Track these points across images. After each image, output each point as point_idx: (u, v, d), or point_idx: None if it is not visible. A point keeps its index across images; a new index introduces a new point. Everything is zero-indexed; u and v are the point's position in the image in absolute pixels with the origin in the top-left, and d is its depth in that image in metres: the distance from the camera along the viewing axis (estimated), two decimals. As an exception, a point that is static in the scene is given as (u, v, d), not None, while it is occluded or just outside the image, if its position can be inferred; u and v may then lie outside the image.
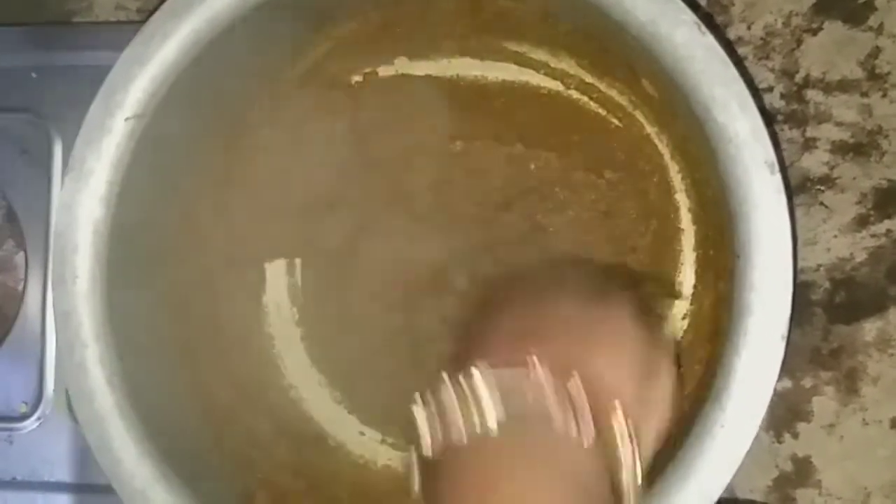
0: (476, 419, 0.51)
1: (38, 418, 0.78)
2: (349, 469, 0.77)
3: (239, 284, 0.77)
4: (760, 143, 0.58)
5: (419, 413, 0.53)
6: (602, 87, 0.74)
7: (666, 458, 0.61)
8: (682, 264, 0.74)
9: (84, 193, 0.63)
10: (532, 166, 0.75)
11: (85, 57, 0.78)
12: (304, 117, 0.75)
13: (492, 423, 0.50)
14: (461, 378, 0.52)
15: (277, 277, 0.79)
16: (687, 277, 0.74)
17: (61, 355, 0.63)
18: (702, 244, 0.72)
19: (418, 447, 0.53)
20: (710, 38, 0.59)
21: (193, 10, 0.63)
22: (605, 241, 0.75)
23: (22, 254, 0.79)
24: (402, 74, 0.77)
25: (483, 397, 0.51)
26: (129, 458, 0.62)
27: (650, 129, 0.72)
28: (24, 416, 0.78)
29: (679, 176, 0.73)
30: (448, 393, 0.52)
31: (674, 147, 0.72)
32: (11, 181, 0.79)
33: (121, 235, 0.64)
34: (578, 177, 0.75)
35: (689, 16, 0.59)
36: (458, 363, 0.54)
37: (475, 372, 0.52)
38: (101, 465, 0.63)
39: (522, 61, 0.76)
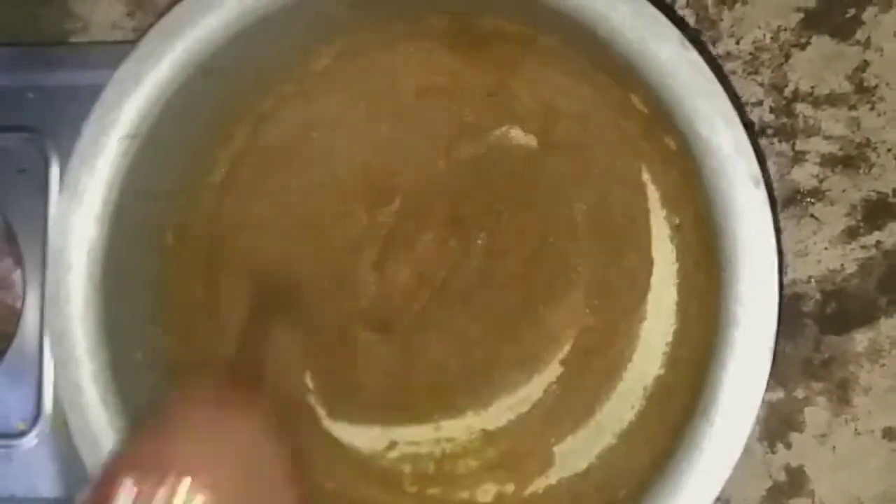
0: None
1: (37, 435, 0.78)
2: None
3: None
4: (744, 156, 0.58)
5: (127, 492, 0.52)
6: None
7: (653, 472, 0.62)
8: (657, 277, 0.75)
9: (78, 213, 0.64)
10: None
11: (82, 76, 0.78)
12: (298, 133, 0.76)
13: None
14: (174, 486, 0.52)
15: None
16: (668, 290, 0.74)
17: (56, 374, 0.64)
18: (681, 256, 0.73)
19: None
20: (695, 54, 0.59)
21: (186, 29, 0.64)
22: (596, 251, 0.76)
23: (20, 271, 0.79)
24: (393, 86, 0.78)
25: None
26: (124, 476, 0.63)
27: (640, 143, 0.73)
28: (23, 434, 0.78)
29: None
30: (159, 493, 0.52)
31: (662, 162, 0.72)
32: (9, 199, 0.80)
33: (115, 255, 0.64)
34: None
35: (673, 32, 0.60)
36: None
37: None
38: (96, 482, 0.63)
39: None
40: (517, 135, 0.76)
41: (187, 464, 0.53)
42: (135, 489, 0.51)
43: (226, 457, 0.55)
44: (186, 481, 0.52)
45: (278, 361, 0.69)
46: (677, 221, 0.72)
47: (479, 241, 0.76)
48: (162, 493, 0.51)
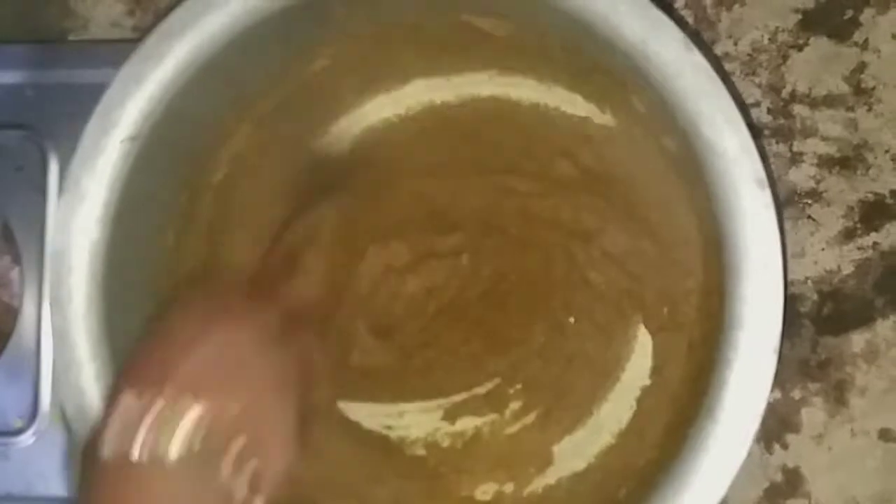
0: (166, 444, 0.51)
1: (34, 433, 0.78)
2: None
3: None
4: (749, 158, 0.58)
5: (126, 407, 0.52)
6: (592, 104, 0.75)
7: (656, 472, 0.62)
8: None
9: (79, 214, 0.64)
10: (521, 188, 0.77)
11: (80, 74, 0.78)
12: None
13: (173, 454, 0.51)
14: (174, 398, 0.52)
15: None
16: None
17: (58, 375, 0.64)
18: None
19: (98, 441, 0.51)
20: (699, 56, 0.59)
21: (189, 30, 0.64)
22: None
23: (17, 269, 0.79)
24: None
25: (183, 427, 0.51)
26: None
27: (642, 145, 0.73)
28: (20, 431, 0.78)
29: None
30: (157, 405, 0.51)
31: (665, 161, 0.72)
32: (7, 198, 0.80)
33: (116, 255, 0.64)
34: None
35: (677, 33, 0.59)
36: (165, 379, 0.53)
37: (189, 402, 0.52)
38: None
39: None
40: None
41: (185, 376, 0.52)
42: (134, 401, 0.51)
43: (226, 367, 0.54)
44: (184, 394, 0.51)
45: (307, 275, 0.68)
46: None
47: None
48: (159, 406, 0.51)
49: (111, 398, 0.53)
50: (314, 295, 0.68)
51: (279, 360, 0.58)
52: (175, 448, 0.50)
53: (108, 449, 0.51)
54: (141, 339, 0.57)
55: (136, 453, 0.50)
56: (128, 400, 0.51)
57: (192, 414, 0.51)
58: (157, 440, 0.50)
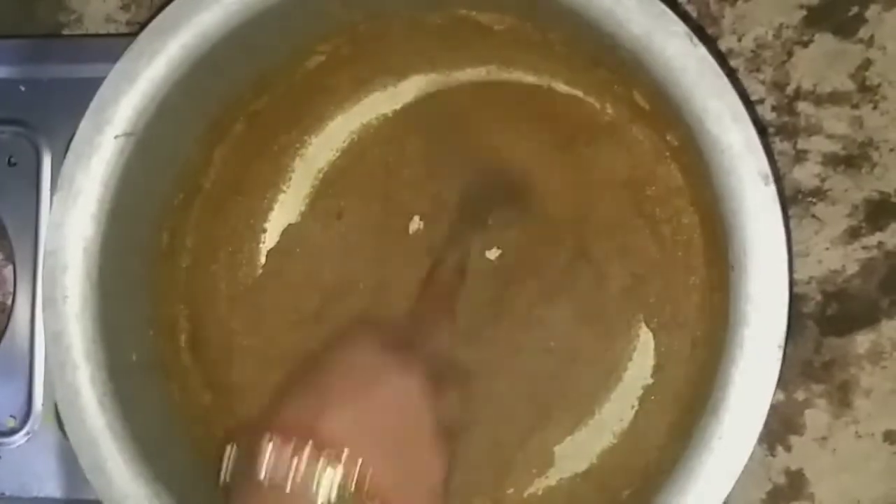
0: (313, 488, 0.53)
1: (27, 433, 0.77)
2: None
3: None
4: (754, 154, 0.57)
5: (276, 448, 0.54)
6: (593, 100, 0.74)
7: (660, 470, 0.61)
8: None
9: (73, 212, 0.63)
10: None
11: (74, 69, 0.78)
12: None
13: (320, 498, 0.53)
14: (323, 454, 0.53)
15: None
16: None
17: (53, 376, 0.63)
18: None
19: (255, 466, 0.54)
20: (703, 50, 0.58)
21: (181, 27, 0.63)
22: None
23: (10, 267, 0.79)
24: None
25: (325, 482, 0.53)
26: (121, 478, 0.62)
27: (645, 142, 0.72)
28: (13, 431, 0.78)
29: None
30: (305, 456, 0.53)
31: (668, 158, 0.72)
32: (0, 193, 0.79)
33: (111, 254, 0.64)
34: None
35: (680, 27, 0.59)
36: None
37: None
38: (93, 485, 0.62)
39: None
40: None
41: (331, 435, 0.54)
42: (284, 446, 0.53)
43: (372, 427, 0.56)
44: (325, 453, 0.53)
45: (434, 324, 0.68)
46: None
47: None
48: (306, 456, 0.53)
49: (254, 437, 0.55)
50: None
51: (432, 419, 0.59)
52: (321, 494, 0.53)
53: (265, 475, 0.53)
54: (302, 368, 0.60)
55: (288, 488, 0.53)
56: (278, 442, 0.53)
57: (335, 475, 0.53)
58: (306, 484, 0.53)
